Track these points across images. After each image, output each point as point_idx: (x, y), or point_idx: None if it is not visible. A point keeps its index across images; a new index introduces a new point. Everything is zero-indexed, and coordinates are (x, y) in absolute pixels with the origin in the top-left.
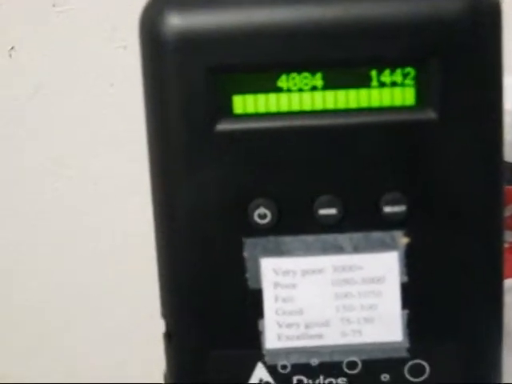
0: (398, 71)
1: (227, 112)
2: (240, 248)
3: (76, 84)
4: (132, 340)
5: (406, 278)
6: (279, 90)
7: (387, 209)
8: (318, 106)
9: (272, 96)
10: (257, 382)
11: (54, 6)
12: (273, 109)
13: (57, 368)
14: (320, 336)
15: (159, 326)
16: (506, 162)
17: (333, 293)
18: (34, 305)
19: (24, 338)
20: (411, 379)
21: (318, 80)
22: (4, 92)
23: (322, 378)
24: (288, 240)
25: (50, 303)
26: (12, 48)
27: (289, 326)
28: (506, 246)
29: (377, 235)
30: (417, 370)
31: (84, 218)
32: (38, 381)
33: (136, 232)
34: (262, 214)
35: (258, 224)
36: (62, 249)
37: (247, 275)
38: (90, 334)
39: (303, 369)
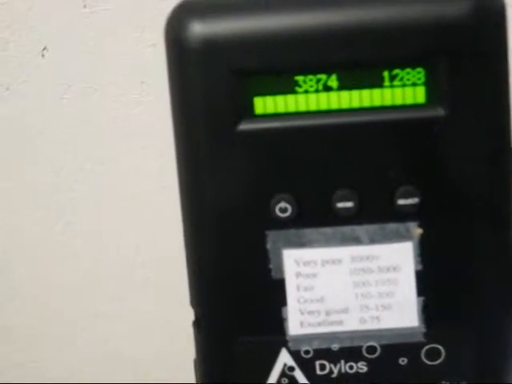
0: (409, 71)
1: (248, 113)
2: (263, 240)
3: (107, 83)
4: (166, 329)
5: (420, 267)
6: (297, 91)
7: (401, 201)
8: (334, 105)
9: (290, 97)
10: (281, 366)
11: (84, 6)
12: (291, 109)
13: (91, 357)
14: (340, 322)
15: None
16: None
17: (351, 281)
18: (68, 293)
19: (57, 327)
20: (428, 362)
21: (334, 81)
22: (36, 91)
23: (343, 362)
24: (308, 232)
25: (82, 291)
26: (44, 48)
27: (310, 313)
28: None
29: (392, 226)
30: (433, 354)
31: (115, 212)
32: (72, 370)
33: (168, 225)
34: (283, 208)
35: (279, 217)
36: (94, 239)
37: (270, 266)
38: (123, 323)
39: (325, 354)
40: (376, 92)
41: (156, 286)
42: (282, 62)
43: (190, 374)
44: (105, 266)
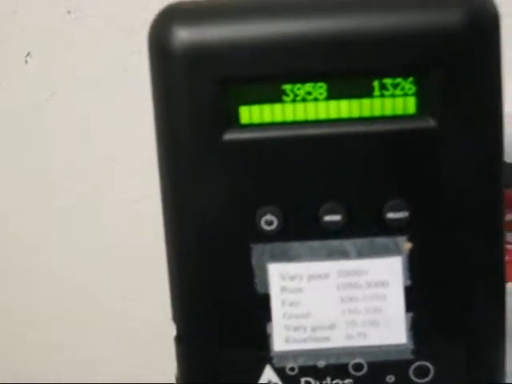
0: (400, 81)
1: (234, 122)
2: (248, 254)
3: (91, 89)
4: (148, 341)
5: (409, 282)
6: (284, 100)
7: (390, 215)
8: (322, 115)
9: (277, 106)
10: (265, 383)
11: (69, 12)
12: (278, 119)
13: (72, 368)
14: (326, 339)
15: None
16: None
17: (338, 297)
18: (50, 304)
19: (39, 337)
20: (416, 380)
21: (322, 90)
22: (20, 97)
23: (328, 379)
24: (294, 246)
25: (64, 301)
26: (28, 54)
27: (296, 329)
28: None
29: (380, 241)
30: (421, 372)
31: (98, 218)
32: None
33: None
34: (269, 221)
35: (265, 230)
36: (79, 242)
37: (255, 280)
38: (105, 336)
39: (311, 371)
40: (365, 102)
41: (145, 293)
42: (268, 70)
43: None
44: (90, 278)
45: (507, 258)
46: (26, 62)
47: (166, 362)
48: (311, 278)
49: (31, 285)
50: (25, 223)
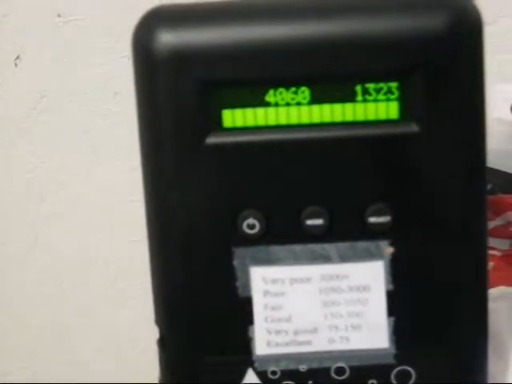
0: (383, 86)
1: (216, 126)
2: (230, 257)
3: (80, 93)
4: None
5: (391, 286)
6: (267, 104)
7: (372, 219)
8: (305, 119)
9: (260, 110)
10: None
11: (59, 16)
12: (261, 123)
13: (56, 372)
14: (309, 343)
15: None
16: (501, 172)
17: (320, 301)
18: (35, 308)
19: (24, 341)
20: None
21: (305, 95)
22: (9, 100)
23: (311, 383)
24: (276, 249)
25: (51, 304)
26: (17, 57)
27: (278, 332)
28: (498, 254)
29: (363, 245)
30: (403, 376)
31: (85, 224)
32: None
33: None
34: (251, 225)
35: (247, 234)
36: (64, 253)
37: (237, 284)
38: (90, 340)
39: (292, 375)
40: (348, 107)
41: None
42: (252, 74)
43: None
44: (74, 282)
45: (490, 263)
46: (16, 65)
47: (148, 365)
48: (293, 281)
49: (14, 287)
50: (12, 224)
